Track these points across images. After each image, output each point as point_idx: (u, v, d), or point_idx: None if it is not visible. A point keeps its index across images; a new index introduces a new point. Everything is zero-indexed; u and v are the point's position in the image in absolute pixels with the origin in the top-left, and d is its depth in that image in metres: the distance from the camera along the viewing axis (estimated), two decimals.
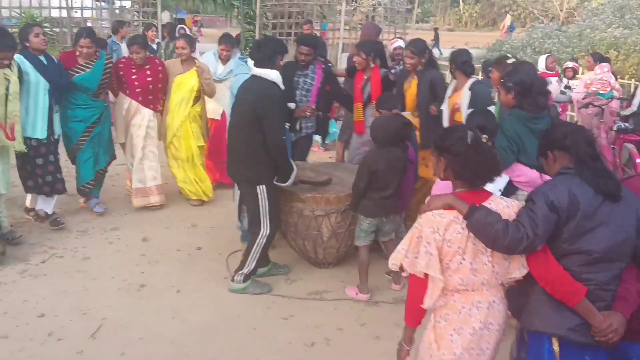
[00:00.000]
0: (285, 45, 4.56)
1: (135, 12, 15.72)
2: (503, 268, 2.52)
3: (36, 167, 5.28)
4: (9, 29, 13.84)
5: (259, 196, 4.29)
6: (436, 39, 14.14)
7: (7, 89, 4.79)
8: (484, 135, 2.82)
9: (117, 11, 16.58)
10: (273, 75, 4.21)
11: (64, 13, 14.14)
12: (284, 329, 4.04)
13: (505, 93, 3.94)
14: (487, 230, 2.38)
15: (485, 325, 2.52)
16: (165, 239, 5.42)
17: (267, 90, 4.17)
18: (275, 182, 4.38)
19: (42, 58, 5.28)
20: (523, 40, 19.29)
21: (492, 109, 4.76)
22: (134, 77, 5.87)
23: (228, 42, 6.73)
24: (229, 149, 4.47)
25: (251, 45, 7.15)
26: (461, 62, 5.15)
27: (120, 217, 5.89)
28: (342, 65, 10.98)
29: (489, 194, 2.56)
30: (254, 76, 4.29)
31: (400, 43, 7.88)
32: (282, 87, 4.29)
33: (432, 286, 2.51)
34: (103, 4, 16.30)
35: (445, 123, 5.11)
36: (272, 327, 4.04)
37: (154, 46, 9.80)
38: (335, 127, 8.46)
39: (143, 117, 5.95)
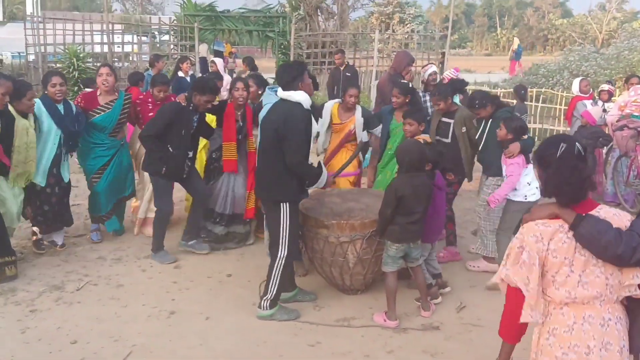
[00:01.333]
0: (304, 65, 4.66)
1: (173, 45, 16.19)
2: (617, 280, 2.36)
3: (43, 203, 5.51)
4: (53, 64, 14.56)
5: (282, 215, 4.34)
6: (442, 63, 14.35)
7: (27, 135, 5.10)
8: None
9: (157, 45, 17.14)
10: (297, 96, 4.28)
11: (106, 48, 14.70)
12: (310, 356, 4.02)
13: None
14: (597, 239, 2.25)
15: (603, 345, 2.33)
16: (197, 266, 5.50)
17: (289, 111, 4.26)
18: (308, 188, 4.52)
19: (60, 106, 5.45)
20: (560, 63, 19.04)
21: None
22: (150, 114, 5.91)
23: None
24: (257, 170, 4.60)
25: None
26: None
27: None
28: (373, 93, 11.03)
29: (596, 203, 2.42)
30: (280, 99, 4.40)
31: (434, 69, 7.91)
32: (307, 107, 4.33)
33: (532, 298, 2.38)
34: (144, 38, 16.85)
35: None
36: (299, 354, 4.03)
37: (188, 78, 10.05)
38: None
39: None
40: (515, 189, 4.93)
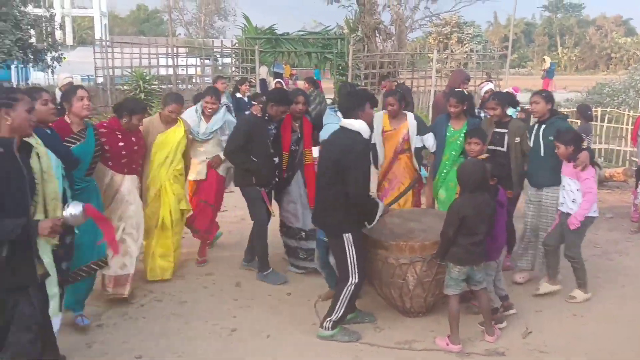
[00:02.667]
0: (368, 94, 4.66)
1: (235, 68, 16.60)
2: None
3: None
4: (121, 87, 15.17)
5: (346, 245, 4.33)
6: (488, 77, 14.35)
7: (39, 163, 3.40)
8: None
9: (219, 67, 17.64)
10: (357, 125, 4.28)
11: (171, 71, 15.23)
12: None
13: None
14: None
15: None
16: (257, 284, 5.55)
17: (349, 141, 4.24)
18: (366, 226, 4.46)
19: (47, 130, 4.12)
20: (625, 82, 18.41)
21: None
22: (120, 143, 5.00)
23: (214, 94, 6.04)
24: (316, 197, 4.59)
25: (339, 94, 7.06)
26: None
27: (215, 262, 6.11)
28: (430, 113, 10.94)
29: None
30: (341, 127, 4.41)
31: (491, 86, 7.82)
32: (366, 136, 4.33)
33: None
34: (206, 61, 17.37)
35: None
36: None
37: (245, 99, 10.37)
38: (425, 173, 8.36)
39: None
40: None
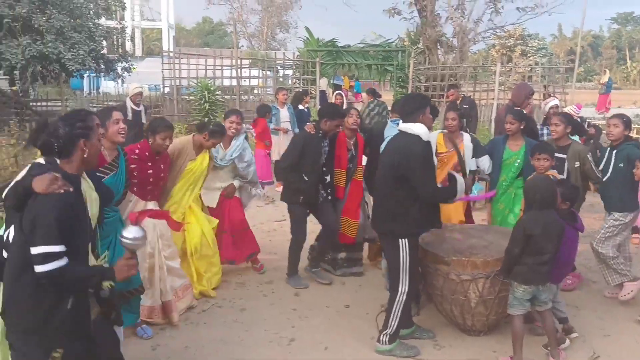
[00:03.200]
0: (427, 99, 4.64)
1: (296, 79, 16.82)
2: None
3: None
4: (187, 97, 15.59)
5: (401, 250, 4.30)
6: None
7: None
8: None
9: (280, 79, 17.91)
10: (416, 128, 4.25)
11: (235, 82, 15.57)
12: None
13: None
14: None
15: None
16: (316, 295, 5.58)
17: (408, 144, 4.22)
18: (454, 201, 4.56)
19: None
20: None
21: None
22: (150, 171, 4.80)
23: (238, 114, 5.90)
24: (375, 204, 4.62)
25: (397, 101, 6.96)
26: None
27: (275, 271, 6.19)
28: (492, 126, 10.73)
29: None
30: (400, 132, 4.40)
31: (556, 102, 7.61)
32: (426, 139, 4.27)
33: None
34: (268, 72, 17.65)
35: None
36: None
37: (306, 110, 10.54)
38: (480, 187, 8.19)
39: None
40: None
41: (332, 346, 4.58)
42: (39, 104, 17.79)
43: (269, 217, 8.28)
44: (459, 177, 4.43)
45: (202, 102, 14.30)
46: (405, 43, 19.97)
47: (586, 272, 6.16)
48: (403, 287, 4.35)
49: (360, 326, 4.92)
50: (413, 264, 4.36)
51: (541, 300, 4.27)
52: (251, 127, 9.73)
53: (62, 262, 2.60)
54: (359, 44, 19.18)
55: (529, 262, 4.15)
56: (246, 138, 6.19)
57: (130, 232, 2.86)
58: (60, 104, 17.07)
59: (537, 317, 4.49)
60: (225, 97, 15.57)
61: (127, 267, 2.86)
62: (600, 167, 5.33)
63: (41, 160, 2.86)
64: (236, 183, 5.92)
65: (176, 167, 5.14)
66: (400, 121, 4.45)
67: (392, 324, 4.39)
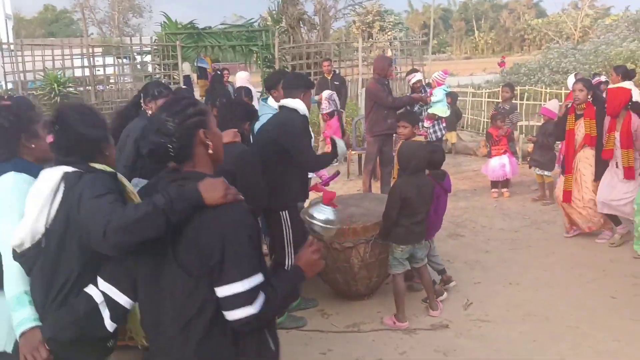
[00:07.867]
0: (312, 83, 4.81)
1: (156, 66, 16.12)
2: None
3: None
4: (33, 92, 14.32)
5: (283, 223, 4.35)
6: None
7: None
8: None
9: (138, 66, 17.05)
10: (294, 104, 4.36)
11: (87, 72, 14.58)
12: None
13: None
14: None
15: None
16: None
17: (288, 119, 4.33)
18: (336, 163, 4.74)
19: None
20: (540, 61, 19.30)
21: None
22: None
23: None
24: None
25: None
26: None
27: None
28: (362, 101, 11.03)
29: None
30: (280, 106, 4.50)
31: (420, 77, 7.98)
32: (303, 113, 4.38)
33: None
34: (124, 60, 16.74)
35: None
36: None
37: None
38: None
39: None
40: None
41: None
42: None
43: None
44: (339, 141, 4.51)
45: (52, 95, 13.29)
46: (267, 23, 19.87)
47: (455, 228, 6.58)
48: (289, 260, 4.37)
49: None
50: (296, 235, 4.38)
51: (418, 258, 4.50)
52: None
53: (262, 296, 1.97)
54: (220, 25, 18.75)
55: (406, 224, 4.34)
56: None
57: (322, 214, 2.33)
58: None
59: (415, 273, 4.71)
60: (79, 88, 14.55)
61: (315, 260, 2.16)
62: None
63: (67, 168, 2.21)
64: None
65: None
66: (270, 98, 4.48)
67: None
